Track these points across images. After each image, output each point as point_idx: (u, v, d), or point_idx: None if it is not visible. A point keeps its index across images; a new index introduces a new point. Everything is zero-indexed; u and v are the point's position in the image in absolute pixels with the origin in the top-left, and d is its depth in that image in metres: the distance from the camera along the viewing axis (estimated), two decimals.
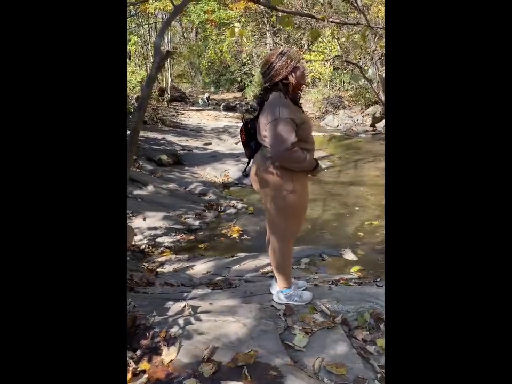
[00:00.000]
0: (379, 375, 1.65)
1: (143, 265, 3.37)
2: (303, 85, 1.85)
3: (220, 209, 5.15)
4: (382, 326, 2.01)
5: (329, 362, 1.66)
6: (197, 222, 4.66)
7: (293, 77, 1.76)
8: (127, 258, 3.09)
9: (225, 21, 14.55)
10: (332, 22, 2.09)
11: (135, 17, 14.43)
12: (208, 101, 17.18)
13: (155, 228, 4.29)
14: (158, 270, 3.11)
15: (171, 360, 1.61)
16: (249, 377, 1.53)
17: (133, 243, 3.76)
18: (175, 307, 1.99)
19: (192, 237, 4.26)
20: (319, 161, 1.89)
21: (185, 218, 4.69)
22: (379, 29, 2.52)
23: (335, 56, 11.99)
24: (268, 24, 16.48)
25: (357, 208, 5.15)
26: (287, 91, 1.75)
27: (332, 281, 2.68)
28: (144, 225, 4.33)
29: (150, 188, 5.51)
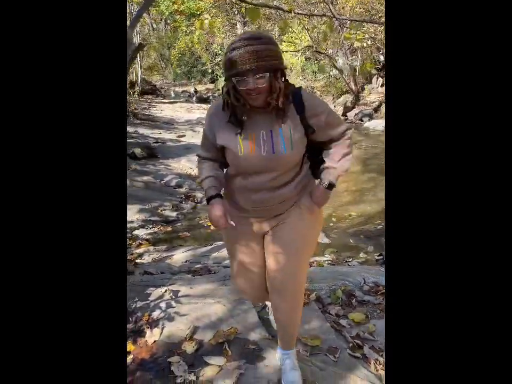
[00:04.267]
0: (351, 345, 1.78)
1: None
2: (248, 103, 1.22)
3: (196, 201, 5.19)
4: (354, 302, 2.14)
5: (304, 335, 1.77)
6: (174, 214, 4.68)
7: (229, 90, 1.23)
8: None
9: (195, 12, 14.37)
10: (299, 13, 2.16)
11: None
12: (195, 94, 16.62)
13: (131, 221, 4.29)
14: (137, 260, 3.15)
15: (155, 341, 1.69)
16: (229, 351, 1.62)
17: None
18: (156, 292, 2.05)
19: (169, 228, 4.29)
20: (213, 204, 1.33)
21: (161, 210, 4.71)
22: (344, 20, 2.61)
23: (306, 46, 12.13)
24: (238, 15, 16.38)
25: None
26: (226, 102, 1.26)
27: None
28: None
29: None
